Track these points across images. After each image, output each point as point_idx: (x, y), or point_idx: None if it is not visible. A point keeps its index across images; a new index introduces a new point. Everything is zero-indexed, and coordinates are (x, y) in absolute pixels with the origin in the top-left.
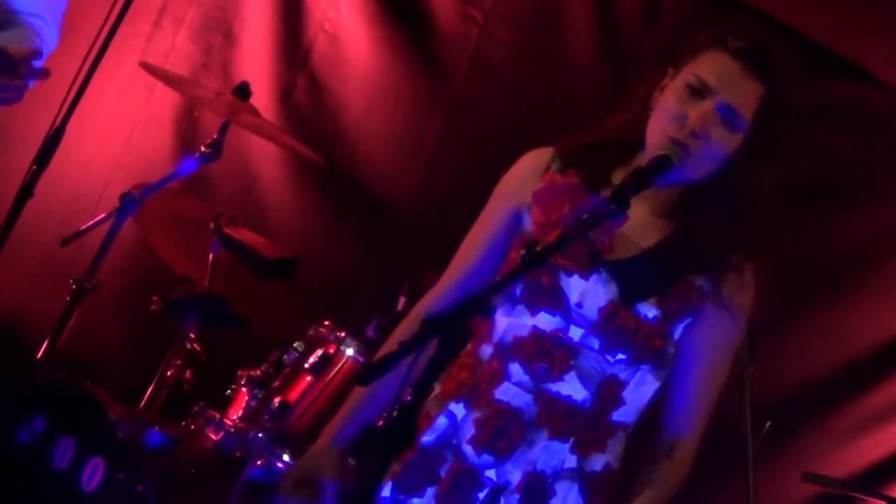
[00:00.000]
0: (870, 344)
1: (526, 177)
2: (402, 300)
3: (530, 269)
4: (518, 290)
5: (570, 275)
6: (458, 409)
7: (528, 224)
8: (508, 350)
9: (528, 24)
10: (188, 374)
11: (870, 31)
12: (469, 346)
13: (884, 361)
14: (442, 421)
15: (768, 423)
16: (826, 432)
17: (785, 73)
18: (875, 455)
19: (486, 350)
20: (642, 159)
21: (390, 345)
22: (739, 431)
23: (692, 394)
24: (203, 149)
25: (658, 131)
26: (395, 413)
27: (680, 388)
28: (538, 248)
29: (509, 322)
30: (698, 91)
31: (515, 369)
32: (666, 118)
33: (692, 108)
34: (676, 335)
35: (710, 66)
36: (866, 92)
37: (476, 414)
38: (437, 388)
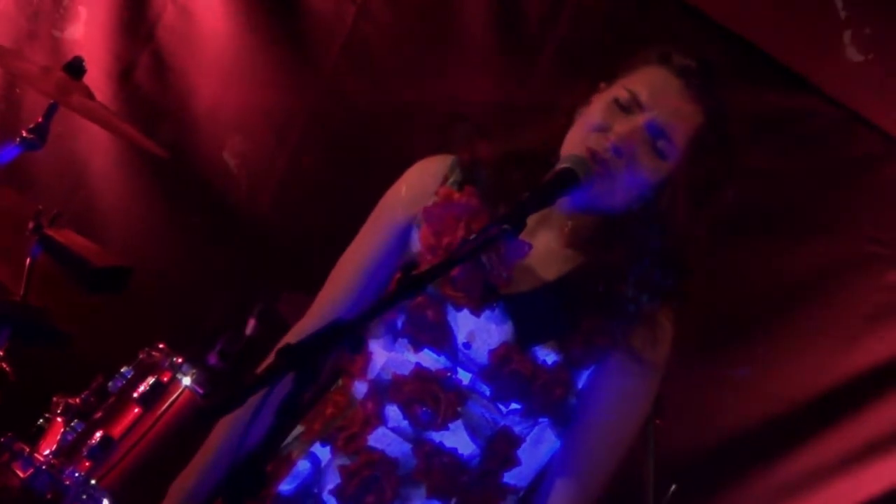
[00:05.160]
0: (795, 399)
1: (419, 188)
2: (251, 324)
3: (405, 296)
4: (399, 322)
5: (459, 309)
6: (323, 453)
7: (417, 244)
8: (387, 390)
9: (414, 5)
10: None
11: (816, 38)
12: (341, 381)
13: (810, 421)
14: (304, 465)
15: (673, 487)
16: (739, 501)
17: (733, 102)
18: None
19: (361, 388)
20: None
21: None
22: (640, 495)
23: (580, 464)
24: (25, 134)
25: (575, 142)
26: (240, 462)
27: (568, 455)
28: (416, 273)
29: (389, 357)
30: (627, 107)
31: (393, 413)
32: (587, 128)
33: (618, 121)
34: (580, 384)
35: (646, 81)
36: (809, 105)
37: (344, 460)
38: (302, 428)
